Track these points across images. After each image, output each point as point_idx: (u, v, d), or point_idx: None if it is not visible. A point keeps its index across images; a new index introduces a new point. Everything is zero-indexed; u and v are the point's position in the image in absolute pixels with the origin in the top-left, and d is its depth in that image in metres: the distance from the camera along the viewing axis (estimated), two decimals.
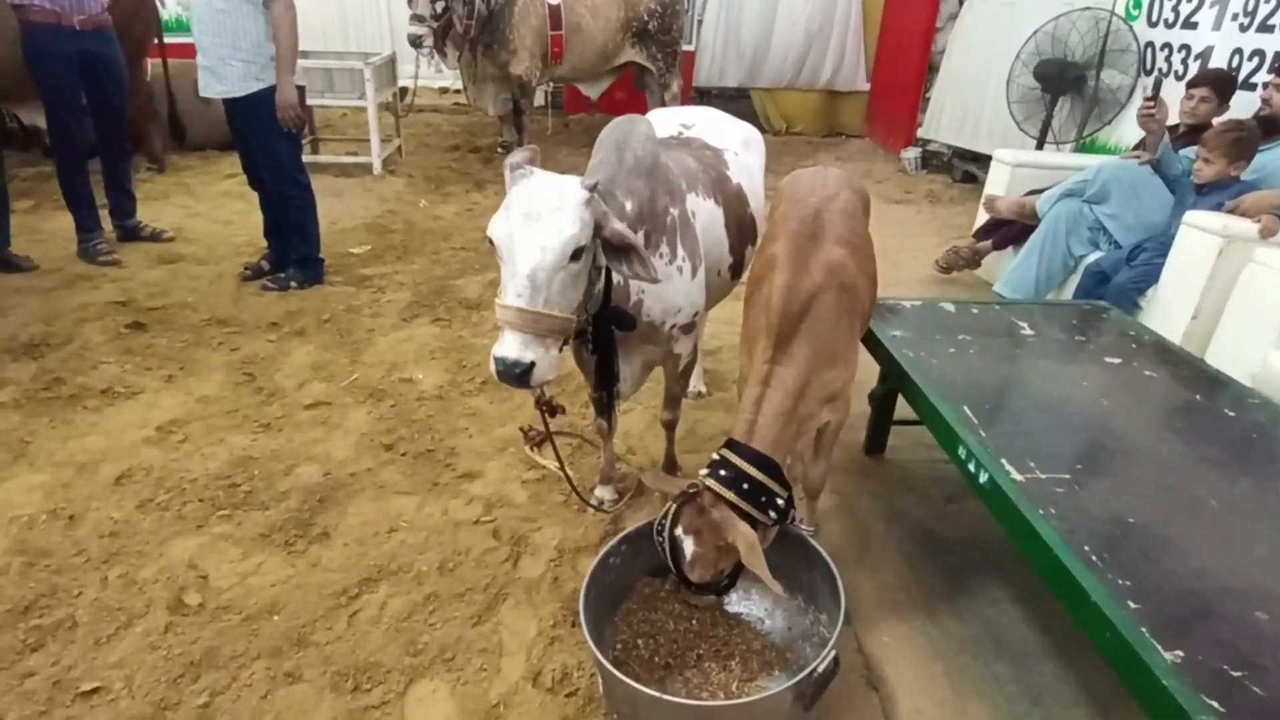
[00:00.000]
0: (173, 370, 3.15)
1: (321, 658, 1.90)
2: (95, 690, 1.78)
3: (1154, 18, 4.78)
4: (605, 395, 2.12)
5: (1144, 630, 1.28)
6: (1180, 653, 1.25)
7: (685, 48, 7.26)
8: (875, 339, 2.36)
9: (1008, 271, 4.01)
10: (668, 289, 2.00)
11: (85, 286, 3.85)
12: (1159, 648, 1.25)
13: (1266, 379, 2.48)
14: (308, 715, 1.76)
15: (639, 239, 1.78)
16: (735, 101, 7.98)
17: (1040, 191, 4.06)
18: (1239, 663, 1.25)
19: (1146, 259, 3.37)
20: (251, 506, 2.41)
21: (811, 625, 1.90)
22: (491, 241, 1.66)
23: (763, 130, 4.60)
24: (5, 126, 5.48)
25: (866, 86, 8.12)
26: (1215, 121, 3.63)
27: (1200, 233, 3.06)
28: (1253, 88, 3.95)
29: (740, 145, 2.55)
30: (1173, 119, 3.86)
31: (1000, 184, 4.45)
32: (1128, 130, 4.78)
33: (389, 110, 6.40)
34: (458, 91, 8.14)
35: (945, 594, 2.18)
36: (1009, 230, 4.22)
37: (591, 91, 7.03)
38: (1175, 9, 4.61)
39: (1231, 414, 2.05)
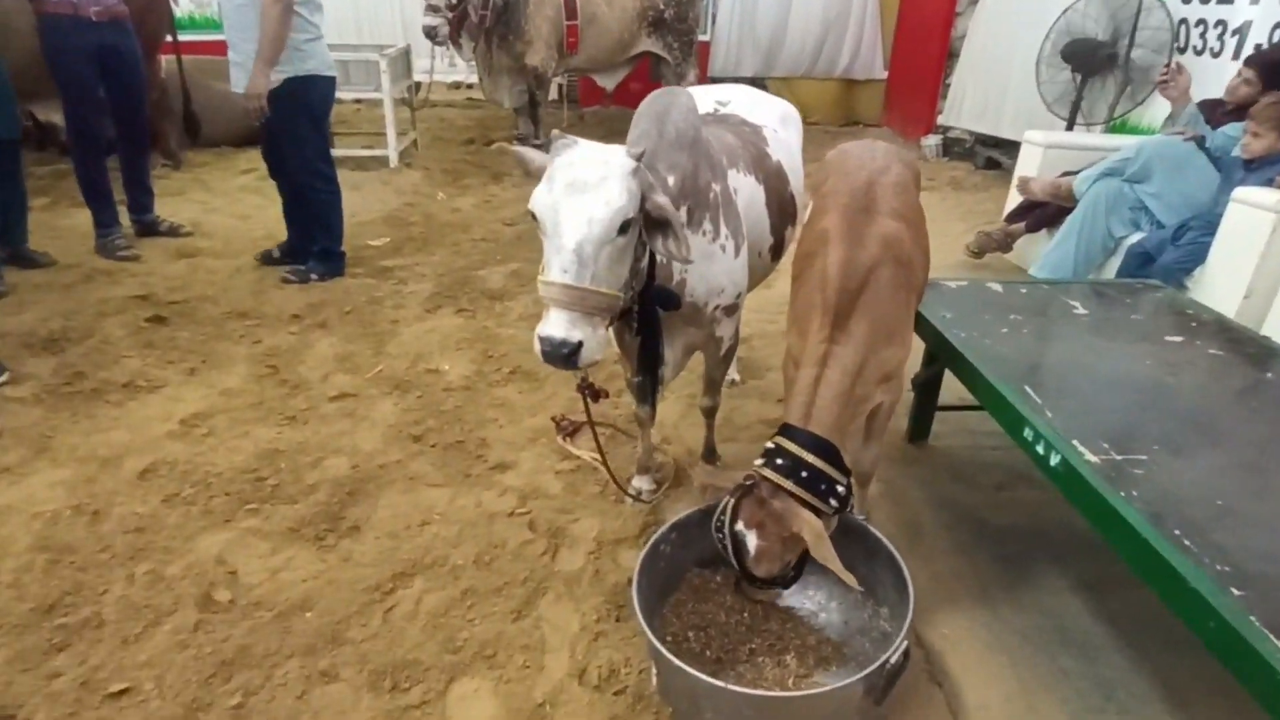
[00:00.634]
0: (195, 363, 3.08)
1: (358, 655, 1.82)
2: (124, 691, 1.71)
3: None
4: (648, 380, 2.03)
5: (1253, 619, 1.19)
6: None
7: (700, 37, 7.16)
8: (923, 320, 2.25)
9: (1044, 254, 3.89)
10: (711, 268, 1.92)
11: (105, 281, 3.79)
12: (1273, 638, 1.15)
13: None
14: (346, 715, 1.68)
15: (680, 215, 1.69)
16: None
17: (1075, 173, 3.94)
18: None
19: (1193, 238, 3.25)
20: (279, 500, 2.33)
21: (870, 619, 1.81)
22: (534, 215, 1.57)
23: None
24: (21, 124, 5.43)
25: (884, 74, 8.00)
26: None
27: (1252, 209, 2.94)
28: None
29: (778, 122, 2.46)
30: (1217, 93, 3.73)
31: (1032, 165, 4.33)
32: (1160, 110, 4.64)
33: (404, 104, 6.34)
34: (470, 86, 8.10)
35: (1003, 584, 2.09)
36: (1043, 212, 4.10)
37: (607, 83, 6.95)
38: None
39: None
